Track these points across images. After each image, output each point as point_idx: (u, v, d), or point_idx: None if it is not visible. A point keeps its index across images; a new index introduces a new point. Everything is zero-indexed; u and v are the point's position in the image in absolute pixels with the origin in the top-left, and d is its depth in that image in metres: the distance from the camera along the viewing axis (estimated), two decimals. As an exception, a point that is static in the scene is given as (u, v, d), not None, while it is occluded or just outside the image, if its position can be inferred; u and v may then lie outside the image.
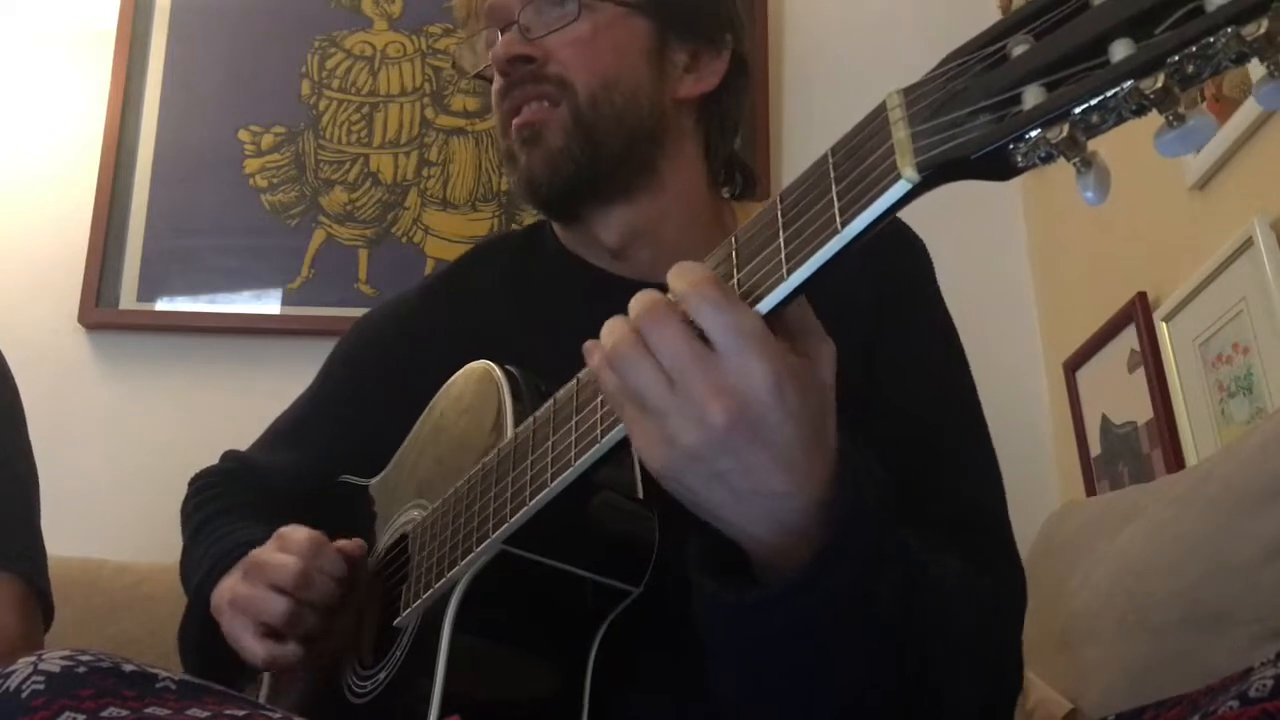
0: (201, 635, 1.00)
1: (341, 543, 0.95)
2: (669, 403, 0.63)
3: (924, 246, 1.05)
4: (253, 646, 0.92)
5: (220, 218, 2.14)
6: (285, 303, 2.10)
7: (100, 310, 2.08)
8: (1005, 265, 2.13)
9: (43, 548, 1.23)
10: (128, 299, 2.09)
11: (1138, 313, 1.68)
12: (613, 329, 0.66)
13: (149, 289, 2.10)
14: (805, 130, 2.18)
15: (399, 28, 2.25)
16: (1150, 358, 1.64)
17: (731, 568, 0.69)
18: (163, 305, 2.10)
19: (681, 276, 0.64)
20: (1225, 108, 1.46)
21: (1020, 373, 2.03)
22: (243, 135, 2.18)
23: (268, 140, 2.18)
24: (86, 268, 2.08)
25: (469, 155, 2.18)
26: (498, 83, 1.05)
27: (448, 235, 2.14)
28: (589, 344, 0.69)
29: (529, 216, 2.13)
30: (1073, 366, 1.90)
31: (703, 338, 0.63)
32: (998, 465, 0.97)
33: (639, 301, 0.65)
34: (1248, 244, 1.41)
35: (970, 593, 0.79)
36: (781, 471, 0.64)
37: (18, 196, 2.15)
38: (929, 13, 2.22)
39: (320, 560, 0.92)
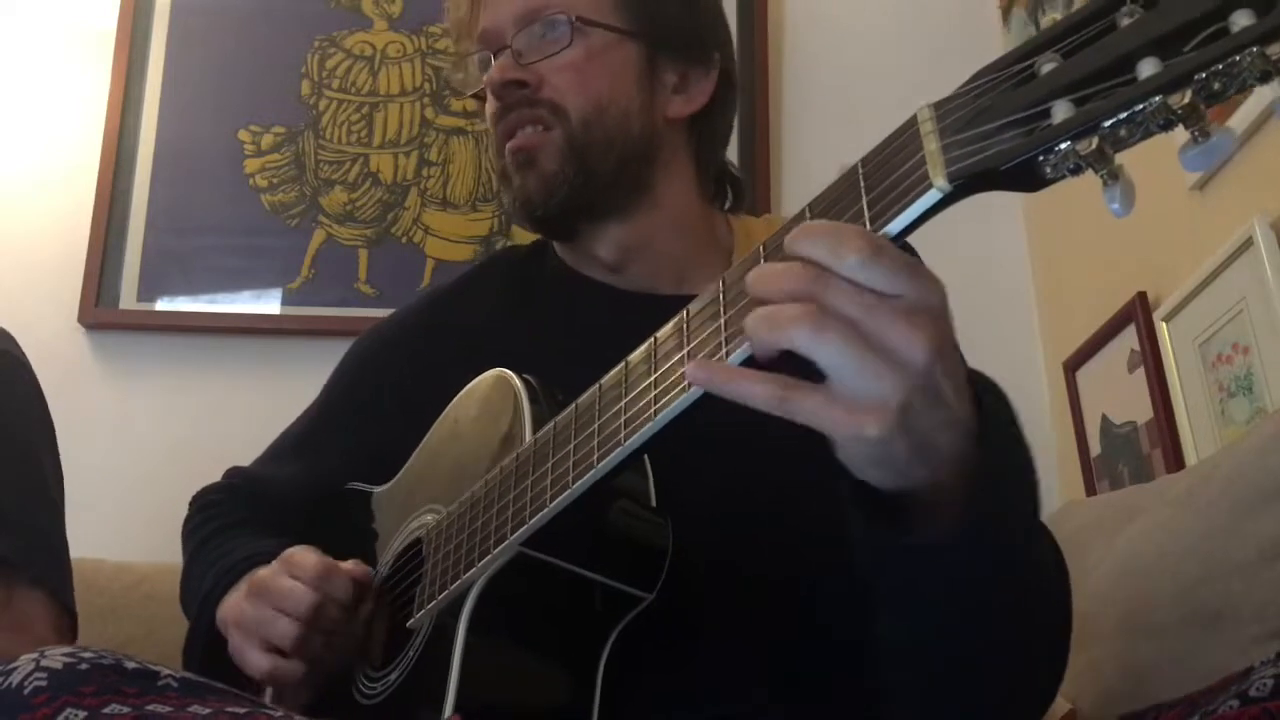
0: (206, 652, 1.00)
1: (349, 567, 0.94)
2: (872, 362, 0.59)
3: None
4: (257, 660, 0.92)
5: (220, 217, 2.14)
6: (285, 303, 2.10)
7: (100, 310, 2.07)
8: (1005, 265, 2.13)
9: (70, 565, 1.22)
10: (128, 299, 2.09)
11: (1138, 313, 1.68)
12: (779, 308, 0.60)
13: (149, 289, 2.09)
14: (806, 142, 2.18)
15: (399, 28, 2.25)
16: (1150, 358, 1.64)
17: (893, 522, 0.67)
18: (163, 305, 2.10)
19: (818, 240, 0.61)
20: (1225, 109, 1.46)
21: (1020, 373, 2.03)
22: (243, 135, 2.18)
23: (268, 140, 2.18)
24: (86, 268, 2.08)
25: (469, 155, 2.18)
26: (492, 105, 1.07)
27: (448, 235, 2.14)
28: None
29: (529, 216, 2.13)
30: (1073, 366, 1.90)
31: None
32: None
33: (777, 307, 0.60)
34: (1248, 244, 1.41)
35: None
36: (961, 389, 0.63)
37: (18, 196, 2.14)
38: (928, 26, 2.22)
39: (329, 586, 0.92)
